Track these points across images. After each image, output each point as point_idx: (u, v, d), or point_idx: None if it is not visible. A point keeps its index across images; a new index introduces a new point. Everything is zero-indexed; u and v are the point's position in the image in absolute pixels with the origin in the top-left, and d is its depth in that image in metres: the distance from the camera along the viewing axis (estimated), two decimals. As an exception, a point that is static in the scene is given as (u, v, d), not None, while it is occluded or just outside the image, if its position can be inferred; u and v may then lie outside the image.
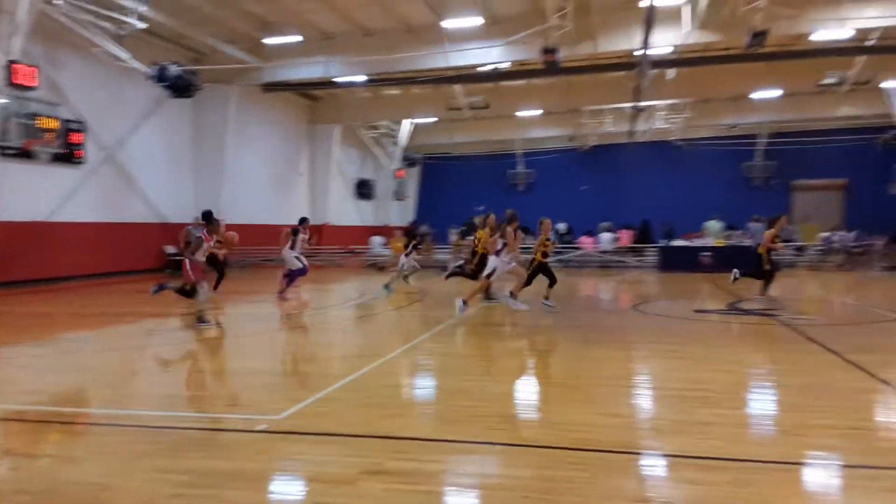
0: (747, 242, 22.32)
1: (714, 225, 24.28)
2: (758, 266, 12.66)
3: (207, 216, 10.93)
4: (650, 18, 14.89)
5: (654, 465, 4.17)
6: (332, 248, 25.79)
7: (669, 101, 27.64)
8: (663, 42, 18.59)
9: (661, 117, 29.57)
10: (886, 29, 18.49)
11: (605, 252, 24.08)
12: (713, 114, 29.60)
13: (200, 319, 9.77)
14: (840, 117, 27.89)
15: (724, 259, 20.74)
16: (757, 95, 26.14)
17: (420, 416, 5.40)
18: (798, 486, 3.81)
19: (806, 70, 22.15)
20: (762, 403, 5.83)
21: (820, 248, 23.16)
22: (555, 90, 26.20)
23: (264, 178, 26.06)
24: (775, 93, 25.53)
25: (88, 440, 4.84)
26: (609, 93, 24.92)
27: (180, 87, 17.14)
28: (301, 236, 13.55)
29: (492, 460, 4.25)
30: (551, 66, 18.18)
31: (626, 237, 25.16)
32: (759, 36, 16.00)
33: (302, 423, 4.97)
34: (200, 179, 22.80)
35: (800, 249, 24.09)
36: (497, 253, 10.48)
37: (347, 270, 22.39)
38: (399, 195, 34.33)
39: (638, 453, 4.32)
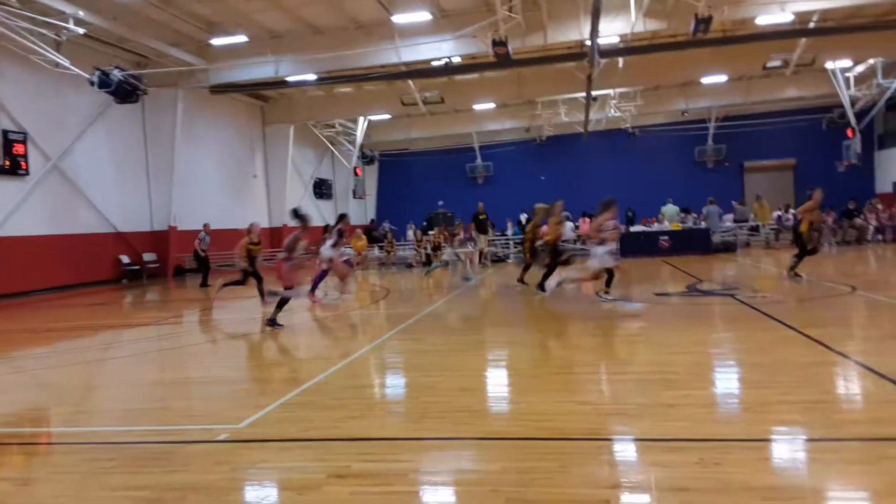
0: (703, 225, 22.82)
1: (670, 209, 24.68)
2: (801, 242, 13.15)
3: (301, 216, 10.49)
4: (597, 8, 14.97)
5: (623, 451, 4.18)
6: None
7: (621, 90, 27.97)
8: (611, 31, 18.79)
9: (613, 106, 29.91)
10: (825, 11, 18.99)
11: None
12: (664, 100, 30.09)
13: (273, 322, 9.83)
14: (787, 99, 28.64)
15: (681, 242, 21.20)
16: (706, 80, 26.61)
17: (387, 416, 5.32)
18: (764, 462, 3.85)
19: (751, 54, 22.56)
20: (725, 383, 5.90)
21: (773, 226, 23.76)
22: (508, 83, 26.24)
23: (218, 181, 25.57)
24: (723, 77, 26.01)
25: (45, 460, 4.66)
26: (561, 83, 25.06)
27: (124, 92, 16.66)
28: (343, 238, 13.46)
29: (462, 456, 4.19)
30: (503, 59, 18.19)
31: (586, 225, 25.39)
32: (704, 22, 16.24)
33: (265, 430, 4.85)
34: (151, 186, 22.25)
35: (754, 229, 24.71)
36: (601, 243, 10.21)
37: (310, 270, 22.08)
38: (358, 193, 34.10)
39: (608, 439, 4.33)
